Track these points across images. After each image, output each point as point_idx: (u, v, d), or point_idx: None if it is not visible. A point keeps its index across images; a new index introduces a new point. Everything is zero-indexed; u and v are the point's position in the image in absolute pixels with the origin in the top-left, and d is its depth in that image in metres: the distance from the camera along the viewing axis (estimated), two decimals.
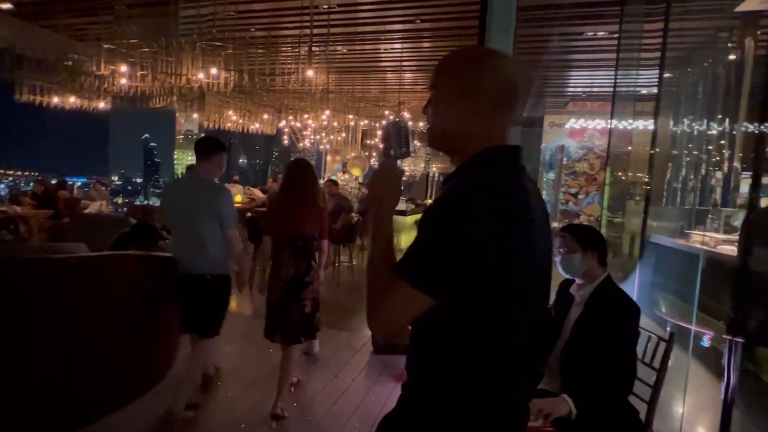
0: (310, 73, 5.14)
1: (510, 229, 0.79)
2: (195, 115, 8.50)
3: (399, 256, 0.87)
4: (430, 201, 15.31)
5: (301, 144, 13.89)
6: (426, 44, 8.61)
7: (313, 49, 5.19)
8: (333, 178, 8.08)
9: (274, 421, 2.51)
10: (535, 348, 0.95)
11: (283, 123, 11.75)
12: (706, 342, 3.08)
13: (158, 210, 4.05)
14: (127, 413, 2.42)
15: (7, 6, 6.89)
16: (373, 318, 0.88)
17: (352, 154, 13.94)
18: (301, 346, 2.78)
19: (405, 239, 9.85)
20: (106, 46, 5.11)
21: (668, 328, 3.28)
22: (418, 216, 6.78)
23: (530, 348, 0.89)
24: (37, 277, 2.00)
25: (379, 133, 12.36)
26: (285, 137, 13.25)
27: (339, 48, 6.63)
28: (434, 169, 18.67)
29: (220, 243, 2.46)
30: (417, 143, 16.97)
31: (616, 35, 5.80)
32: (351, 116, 9.11)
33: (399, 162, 1.01)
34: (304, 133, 13.56)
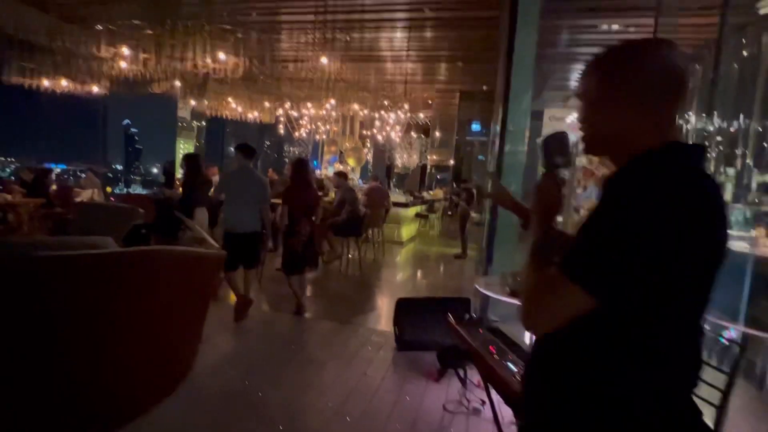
0: (323, 60, 4.96)
1: (707, 230, 0.75)
2: (192, 102, 8.19)
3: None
4: (432, 193, 15.27)
5: (297, 133, 13.64)
6: (429, 34, 8.48)
7: (325, 35, 5.00)
8: (341, 170, 7.92)
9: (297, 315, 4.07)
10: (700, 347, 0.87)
11: (280, 112, 11.50)
12: (726, 339, 3.08)
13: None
14: (149, 418, 2.31)
15: None
16: (530, 317, 0.84)
17: (347, 144, 13.76)
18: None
19: (406, 231, 9.80)
20: (109, 27, 4.84)
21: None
22: (418, 208, 6.78)
23: (698, 351, 0.84)
24: (76, 273, 1.85)
25: (378, 124, 12.20)
26: (281, 126, 12.97)
27: (352, 35, 6.46)
28: (429, 161, 18.63)
29: (258, 212, 4.02)
30: (413, 134, 16.89)
31: (631, 29, 5.77)
32: (357, 106, 8.91)
33: (562, 172, 1.00)
34: (301, 122, 13.30)
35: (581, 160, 11.50)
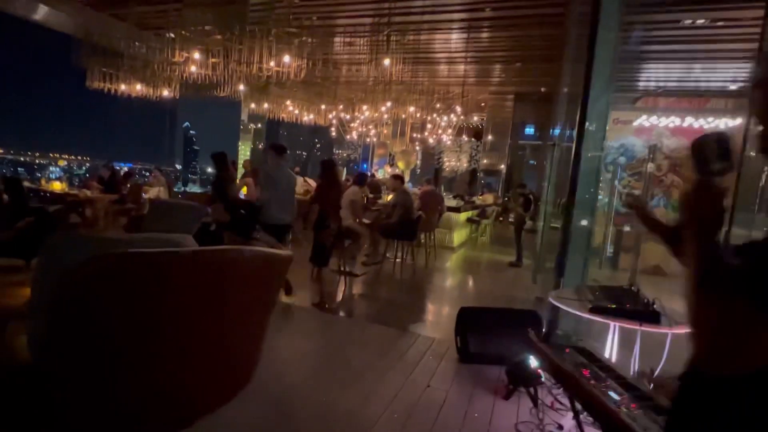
0: (386, 62, 4.92)
1: None
2: (253, 105, 8.45)
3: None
4: (481, 198, 14.91)
5: (348, 136, 13.79)
6: (487, 34, 8.24)
7: (384, 38, 4.96)
8: (398, 173, 7.86)
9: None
10: None
11: (332, 114, 11.65)
12: None
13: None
14: (211, 420, 2.31)
15: None
16: (724, 357, 0.71)
17: (397, 147, 13.71)
18: None
19: (457, 236, 9.58)
20: (181, 33, 5.08)
21: None
22: (470, 213, 6.48)
23: None
24: (165, 270, 1.88)
25: (429, 127, 12.06)
26: (332, 129, 13.16)
27: (409, 37, 6.40)
28: (480, 165, 18.18)
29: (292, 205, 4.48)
30: (465, 137, 16.56)
31: (719, 23, 5.27)
32: (412, 108, 8.85)
33: (717, 179, 0.85)
34: (351, 125, 13.43)
35: (650, 166, 10.73)
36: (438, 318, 4.81)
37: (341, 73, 6.03)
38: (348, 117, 12.24)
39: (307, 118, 10.33)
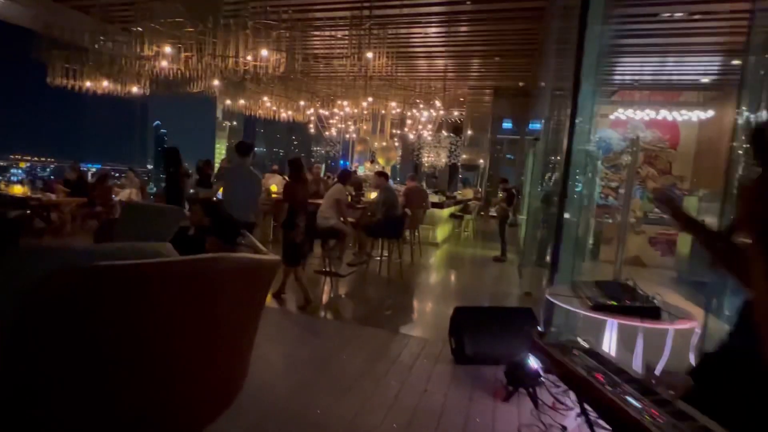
0: (369, 55, 4.77)
1: None
2: (228, 101, 8.12)
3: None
4: (460, 193, 14.93)
5: (327, 132, 13.54)
6: (466, 28, 8.18)
7: (369, 30, 4.81)
8: (380, 169, 7.73)
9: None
10: None
11: (310, 111, 11.41)
12: None
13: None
14: None
15: None
16: None
17: (378, 143, 13.57)
18: None
19: (440, 232, 9.54)
20: (151, 25, 4.78)
21: None
22: (453, 208, 6.38)
23: None
24: (142, 284, 1.70)
25: (409, 122, 11.95)
26: (311, 126, 12.90)
27: (396, 31, 6.23)
28: (460, 160, 18.22)
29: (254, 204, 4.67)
30: (444, 133, 16.52)
31: (697, 16, 5.34)
32: (394, 103, 8.70)
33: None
34: (331, 121, 13.20)
35: (625, 159, 10.96)
36: (428, 317, 4.74)
37: (320, 68, 5.82)
38: (327, 113, 12.02)
39: (285, 114, 10.05)
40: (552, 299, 2.69)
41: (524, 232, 9.49)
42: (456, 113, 13.61)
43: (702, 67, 7.72)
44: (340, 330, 3.99)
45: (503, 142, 15.45)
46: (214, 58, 4.90)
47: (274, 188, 7.75)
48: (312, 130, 13.28)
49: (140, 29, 5.22)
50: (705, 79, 8.20)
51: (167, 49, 5.00)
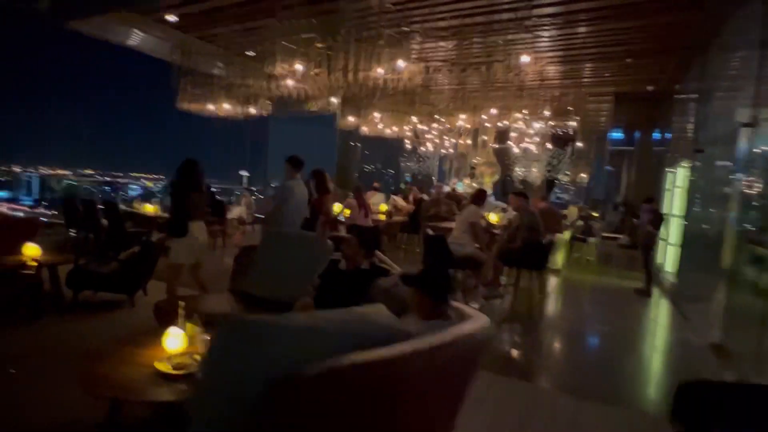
0: (525, 58, 4.13)
1: None
2: (350, 118, 7.98)
3: None
4: (564, 212, 13.54)
5: (423, 147, 13.08)
6: (586, 29, 7.13)
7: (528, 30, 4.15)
8: (520, 190, 6.96)
9: None
10: None
11: (421, 125, 10.95)
12: None
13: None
14: None
15: (173, 18, 6.95)
16: None
17: (477, 159, 12.81)
18: None
19: (560, 256, 8.46)
20: (282, 44, 4.62)
21: None
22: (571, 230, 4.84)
23: None
24: (396, 377, 1.18)
25: (514, 135, 11.03)
26: (408, 141, 12.53)
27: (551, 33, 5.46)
28: (563, 176, 16.65)
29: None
30: (549, 145, 15.20)
31: None
32: (519, 114, 7.96)
33: None
34: (427, 136, 12.72)
35: None
36: (610, 376, 3.73)
37: (440, 79, 5.33)
38: (426, 128, 11.56)
39: (390, 130, 9.75)
40: None
41: (669, 258, 8.04)
42: (573, 123, 12.31)
43: None
44: (531, 394, 3.12)
45: (622, 154, 13.78)
46: (345, 72, 4.61)
47: (383, 207, 7.37)
48: (408, 145, 12.90)
49: (269, 48, 5.13)
50: None
51: (297, 66, 4.82)
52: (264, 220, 4.54)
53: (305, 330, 1.22)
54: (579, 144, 13.48)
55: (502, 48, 5.77)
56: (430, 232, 4.84)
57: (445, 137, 12.59)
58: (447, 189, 9.50)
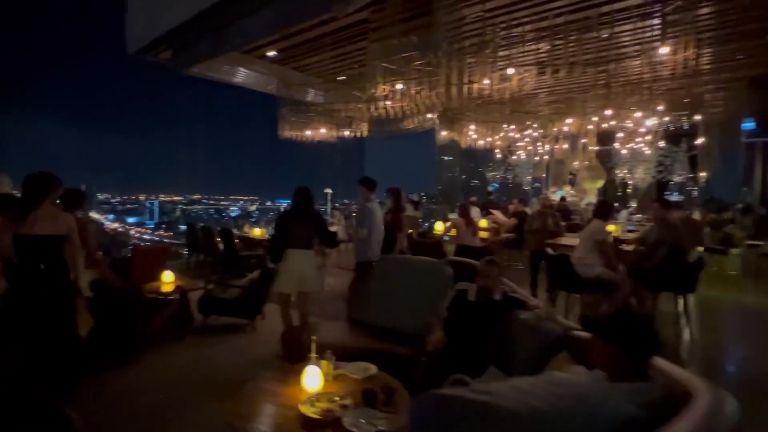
0: (663, 50, 3.59)
1: None
2: (444, 133, 7.85)
3: None
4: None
5: (515, 156, 12.41)
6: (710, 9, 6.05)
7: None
8: (663, 198, 6.13)
9: None
10: None
11: (526, 132, 10.38)
12: None
13: None
14: None
15: (272, 53, 7.39)
16: None
17: (576, 163, 11.79)
18: None
19: None
20: (382, 65, 4.58)
21: None
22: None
23: None
24: None
25: (620, 134, 9.92)
26: (498, 151, 11.97)
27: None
28: (677, 177, 14.76)
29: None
30: (662, 143, 13.52)
31: None
32: (639, 114, 7.14)
33: None
34: (518, 144, 12.05)
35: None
36: None
37: (611, 70, 4.89)
38: (518, 135, 10.93)
39: (483, 141, 9.37)
40: None
41: None
42: (698, 117, 10.74)
43: None
44: None
45: (754, 147, 11.78)
46: (448, 87, 4.42)
47: (483, 223, 6.97)
48: (499, 155, 12.33)
49: (343, 78, 5.16)
50: None
51: (398, 86, 4.74)
52: (354, 246, 4.29)
53: (520, 415, 0.98)
54: (700, 139, 11.66)
55: (615, 43, 5.18)
56: (551, 251, 4.38)
57: (538, 144, 11.83)
58: (555, 198, 8.74)
